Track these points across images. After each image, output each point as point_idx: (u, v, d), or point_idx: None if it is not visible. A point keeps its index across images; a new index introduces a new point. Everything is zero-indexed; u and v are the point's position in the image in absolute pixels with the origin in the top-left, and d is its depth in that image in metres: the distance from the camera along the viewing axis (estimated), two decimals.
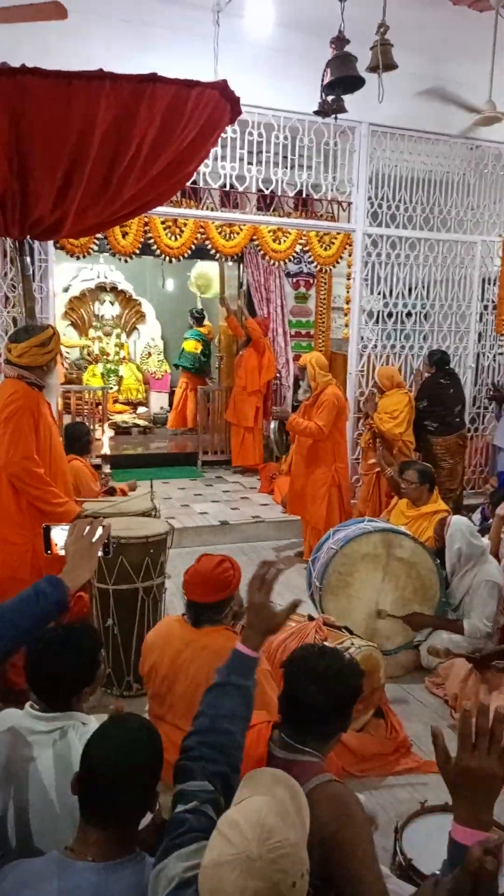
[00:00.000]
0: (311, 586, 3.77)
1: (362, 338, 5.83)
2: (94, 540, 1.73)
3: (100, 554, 1.74)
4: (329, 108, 3.42)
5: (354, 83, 3.32)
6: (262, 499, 6.58)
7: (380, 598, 3.63)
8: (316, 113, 3.56)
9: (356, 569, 3.60)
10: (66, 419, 7.93)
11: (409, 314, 5.83)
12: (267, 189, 5.42)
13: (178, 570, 5.04)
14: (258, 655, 1.58)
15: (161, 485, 7.01)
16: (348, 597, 3.59)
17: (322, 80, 3.36)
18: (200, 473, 7.64)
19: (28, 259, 3.36)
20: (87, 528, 1.74)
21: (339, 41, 3.30)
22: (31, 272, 3.40)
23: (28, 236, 3.19)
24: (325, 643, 2.97)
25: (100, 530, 1.75)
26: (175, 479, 7.34)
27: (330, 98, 3.41)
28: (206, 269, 9.62)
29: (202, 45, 5.11)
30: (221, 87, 2.90)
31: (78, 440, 5.00)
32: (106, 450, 4.90)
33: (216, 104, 2.94)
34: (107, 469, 4.98)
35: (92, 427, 7.93)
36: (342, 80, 3.28)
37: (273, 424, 5.13)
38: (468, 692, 3.18)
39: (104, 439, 5.14)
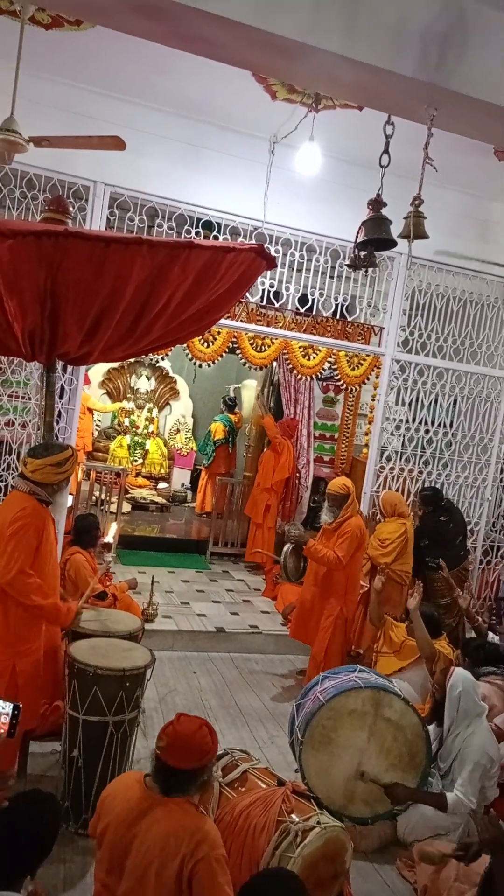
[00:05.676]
0: (292, 733, 3.63)
1: (382, 454, 5.82)
2: None
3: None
4: (360, 263, 3.51)
5: (387, 244, 3.41)
6: (265, 604, 6.47)
7: (363, 759, 3.46)
8: (348, 266, 3.66)
9: (341, 724, 3.45)
10: (85, 486, 8.02)
11: (430, 441, 5.81)
12: (303, 307, 5.56)
13: (165, 678, 5.00)
14: None
15: (166, 574, 6.98)
16: (329, 754, 3.44)
17: (356, 237, 3.46)
18: (207, 565, 7.57)
19: (55, 375, 3.45)
20: None
21: (377, 203, 3.41)
22: (55, 388, 3.48)
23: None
24: (291, 817, 2.84)
25: None
26: (182, 568, 7.28)
27: (362, 254, 3.49)
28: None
29: (254, 170, 5.39)
30: (258, 250, 2.99)
31: (86, 532, 5.01)
32: (109, 539, 4.89)
33: (251, 262, 3.03)
34: (108, 557, 4.94)
35: (108, 499, 8.04)
36: (374, 240, 3.38)
37: (287, 547, 5.01)
38: (440, 886, 2.97)
39: (110, 530, 5.14)
